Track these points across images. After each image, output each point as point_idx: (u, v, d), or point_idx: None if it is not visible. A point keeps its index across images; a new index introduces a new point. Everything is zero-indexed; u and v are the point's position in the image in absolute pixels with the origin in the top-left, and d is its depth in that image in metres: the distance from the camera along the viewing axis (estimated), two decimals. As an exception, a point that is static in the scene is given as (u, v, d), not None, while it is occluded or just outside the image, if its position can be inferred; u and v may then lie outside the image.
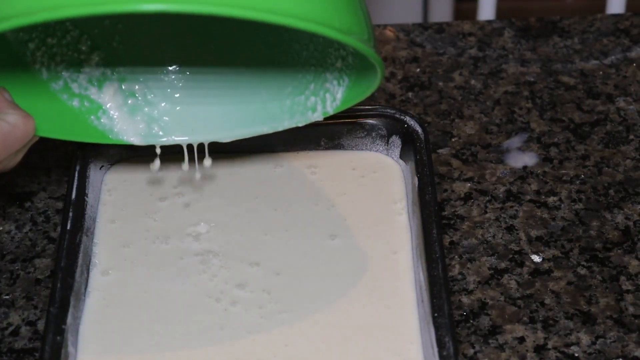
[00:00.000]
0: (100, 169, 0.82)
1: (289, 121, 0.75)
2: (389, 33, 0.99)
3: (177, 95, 0.78)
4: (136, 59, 0.78)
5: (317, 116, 0.74)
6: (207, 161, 0.77)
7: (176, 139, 0.76)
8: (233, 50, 0.79)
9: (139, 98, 0.77)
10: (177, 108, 0.77)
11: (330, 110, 0.74)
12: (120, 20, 0.77)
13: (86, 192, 0.78)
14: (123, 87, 0.76)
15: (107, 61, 0.77)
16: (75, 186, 0.78)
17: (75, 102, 0.74)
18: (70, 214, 0.76)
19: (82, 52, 0.76)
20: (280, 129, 0.75)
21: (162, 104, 0.77)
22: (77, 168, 0.79)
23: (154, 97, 0.77)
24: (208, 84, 0.78)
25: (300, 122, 0.75)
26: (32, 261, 0.79)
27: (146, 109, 0.76)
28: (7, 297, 0.76)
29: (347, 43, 0.62)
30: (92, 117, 0.74)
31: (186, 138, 0.76)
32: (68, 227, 0.75)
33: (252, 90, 0.77)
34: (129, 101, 0.76)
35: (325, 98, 0.74)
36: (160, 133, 0.76)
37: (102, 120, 0.75)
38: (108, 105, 0.75)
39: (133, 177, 0.82)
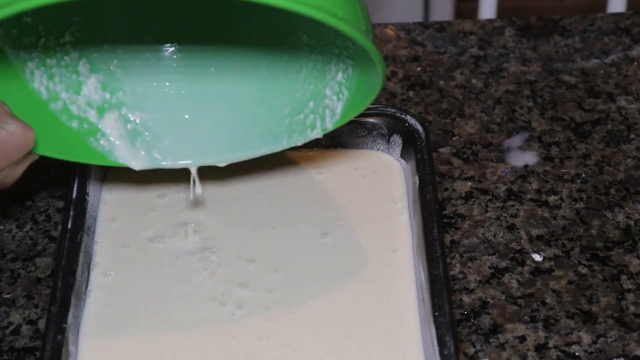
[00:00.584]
0: (101, 167, 0.82)
1: (288, 141, 0.75)
2: (389, 32, 0.99)
3: (177, 117, 0.78)
4: (135, 83, 0.78)
5: (316, 133, 0.74)
6: (198, 189, 0.77)
7: (177, 162, 0.76)
8: (232, 72, 0.78)
9: (138, 122, 0.76)
10: (177, 132, 0.77)
11: (330, 127, 0.74)
12: (118, 44, 0.77)
13: (87, 191, 0.78)
14: (123, 111, 0.76)
15: (106, 84, 0.76)
16: (76, 185, 0.78)
17: (75, 124, 0.74)
18: (71, 213, 0.76)
19: (81, 74, 0.76)
20: (278, 149, 0.75)
21: (162, 129, 0.77)
22: (78, 167, 0.79)
23: (154, 122, 0.77)
24: (207, 106, 0.78)
25: (299, 141, 0.75)
26: (33, 260, 0.79)
27: (146, 134, 0.76)
28: (8, 296, 0.76)
29: (348, 33, 0.61)
30: (91, 138, 0.74)
31: (187, 162, 0.76)
32: (69, 226, 0.75)
33: (251, 112, 0.77)
34: (129, 126, 0.76)
35: (325, 114, 0.74)
36: (159, 157, 0.76)
37: (101, 142, 0.75)
38: (108, 131, 0.75)
39: (134, 176, 0.82)
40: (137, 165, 0.75)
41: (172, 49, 0.79)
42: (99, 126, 0.75)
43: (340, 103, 0.73)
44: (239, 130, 0.77)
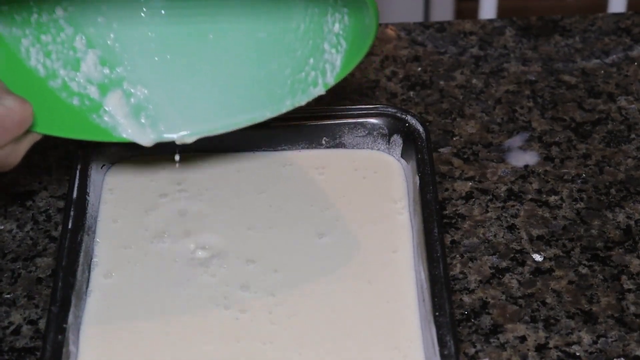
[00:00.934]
0: (101, 167, 0.82)
1: (291, 101, 0.74)
2: (390, 32, 0.99)
3: (179, 88, 0.77)
4: (135, 57, 0.77)
5: (319, 90, 0.73)
6: (177, 156, 0.76)
7: (182, 134, 0.75)
8: (230, 39, 0.78)
9: (141, 96, 0.76)
10: (181, 104, 0.76)
11: (332, 81, 0.73)
12: (113, 17, 0.76)
13: (87, 191, 0.78)
14: (124, 86, 0.76)
15: (105, 59, 0.76)
16: (76, 185, 0.78)
17: (75, 101, 0.73)
18: (72, 213, 0.76)
19: (78, 50, 0.75)
20: (283, 110, 0.74)
21: (165, 101, 0.76)
22: (79, 167, 0.79)
23: (156, 95, 0.76)
24: (208, 76, 0.77)
25: (303, 100, 0.74)
26: (34, 260, 0.79)
27: (150, 107, 0.75)
28: (8, 296, 0.76)
29: None
30: (93, 115, 0.73)
31: (192, 131, 0.75)
32: (69, 226, 0.75)
33: (252, 77, 0.76)
34: (132, 100, 0.75)
35: (325, 69, 0.73)
36: (164, 130, 0.75)
37: (104, 119, 0.73)
38: (110, 109, 0.74)
39: (134, 176, 0.82)
40: (142, 140, 0.74)
41: (169, 18, 0.78)
42: (102, 103, 0.74)
43: (340, 55, 0.72)
44: (243, 97, 0.76)
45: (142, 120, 0.74)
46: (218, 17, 0.78)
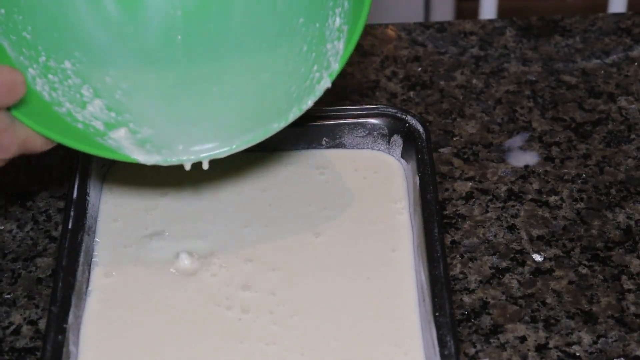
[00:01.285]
0: (101, 167, 0.82)
1: (298, 106, 0.72)
2: (390, 32, 0.99)
3: (185, 125, 0.76)
4: (142, 106, 0.76)
5: (325, 83, 0.71)
6: (205, 164, 0.75)
7: (191, 157, 0.73)
8: (234, 82, 0.77)
9: (147, 134, 0.74)
10: (186, 136, 0.75)
11: (336, 67, 0.71)
12: (122, 80, 0.76)
13: (87, 190, 0.78)
14: (130, 126, 0.74)
15: (111, 107, 0.75)
16: (76, 185, 0.78)
17: (80, 126, 0.72)
18: (72, 213, 0.76)
19: (85, 96, 0.74)
20: (291, 119, 0.72)
21: (171, 135, 0.75)
22: (79, 167, 0.79)
23: (163, 132, 0.75)
24: (214, 111, 0.77)
25: (310, 101, 0.71)
26: (34, 260, 0.79)
27: (155, 140, 0.74)
28: (8, 296, 0.76)
29: None
30: (98, 138, 0.72)
31: (204, 155, 0.73)
32: (69, 226, 0.75)
33: (257, 105, 0.76)
34: (138, 136, 0.74)
35: (329, 62, 0.72)
36: (171, 154, 0.73)
37: (109, 142, 0.72)
38: (116, 137, 0.73)
39: (135, 176, 0.82)
40: (147, 162, 0.72)
41: (176, 76, 0.78)
42: (107, 133, 0.73)
43: (342, 40, 0.71)
44: (249, 121, 0.74)
45: (148, 147, 0.73)
46: (222, 69, 0.77)
